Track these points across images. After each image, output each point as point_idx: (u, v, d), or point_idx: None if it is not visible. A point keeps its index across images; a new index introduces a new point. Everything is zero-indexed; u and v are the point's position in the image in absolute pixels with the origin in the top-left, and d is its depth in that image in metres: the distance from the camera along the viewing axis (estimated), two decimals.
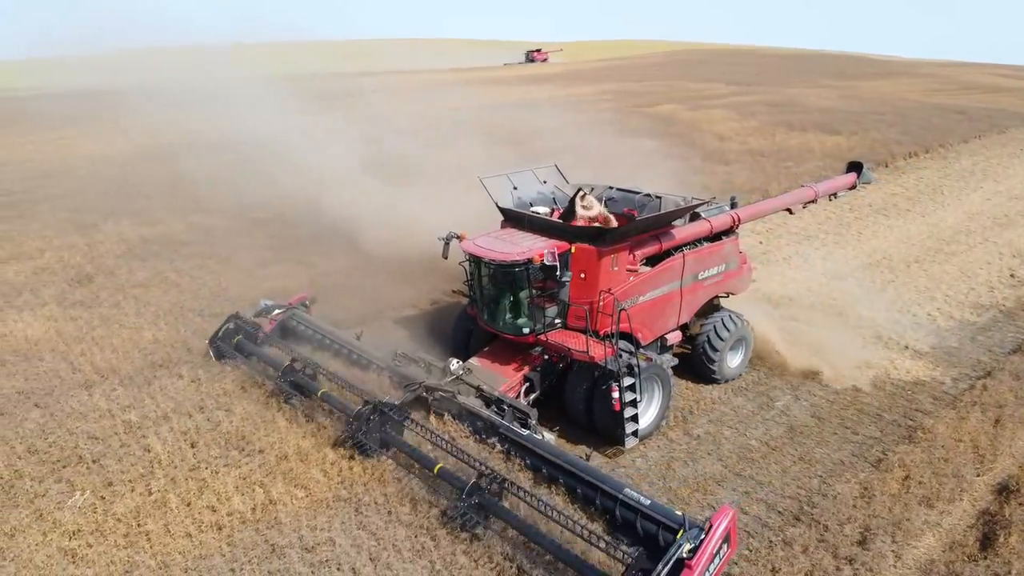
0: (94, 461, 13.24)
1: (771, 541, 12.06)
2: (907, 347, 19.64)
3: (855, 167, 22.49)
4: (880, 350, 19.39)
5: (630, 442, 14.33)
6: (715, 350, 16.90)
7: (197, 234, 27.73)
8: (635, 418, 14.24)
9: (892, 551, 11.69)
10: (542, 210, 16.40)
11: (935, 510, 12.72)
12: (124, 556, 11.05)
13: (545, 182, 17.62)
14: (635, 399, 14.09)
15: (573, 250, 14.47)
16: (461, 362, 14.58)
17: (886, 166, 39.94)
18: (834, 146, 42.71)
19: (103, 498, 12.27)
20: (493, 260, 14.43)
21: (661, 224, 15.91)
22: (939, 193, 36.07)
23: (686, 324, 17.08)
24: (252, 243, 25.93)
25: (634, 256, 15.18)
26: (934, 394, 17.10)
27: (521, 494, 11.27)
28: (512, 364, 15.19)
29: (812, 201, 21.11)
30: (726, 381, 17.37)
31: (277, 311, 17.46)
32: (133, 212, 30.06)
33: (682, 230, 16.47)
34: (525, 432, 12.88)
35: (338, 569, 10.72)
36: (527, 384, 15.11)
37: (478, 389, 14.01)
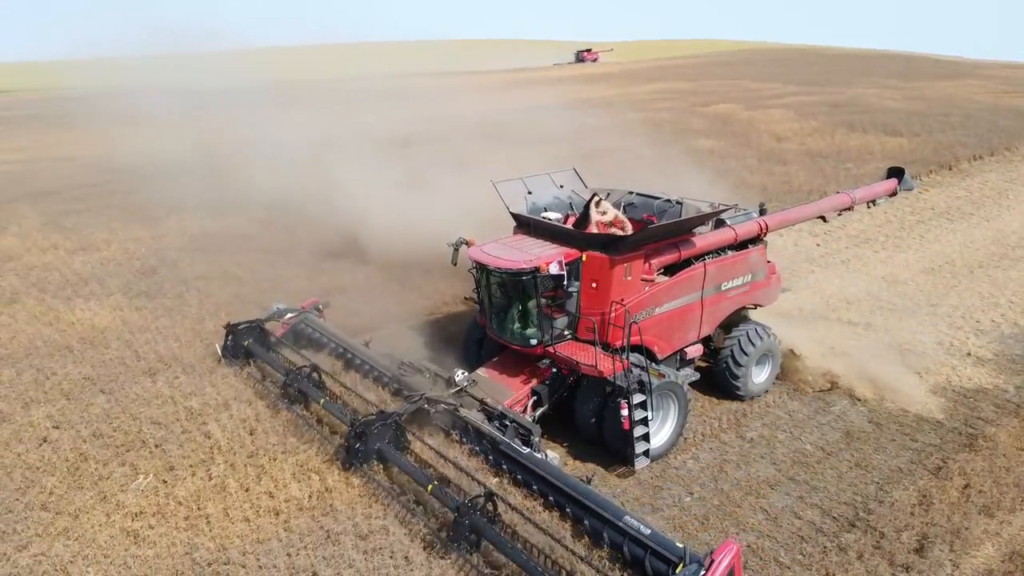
0: (156, 446, 13.69)
1: (825, 547, 11.88)
2: (969, 354, 19.10)
3: (896, 173, 21.48)
4: (941, 356, 18.90)
5: (640, 463, 13.57)
6: (739, 365, 16.09)
7: (256, 228, 28.34)
8: (646, 437, 13.48)
9: (950, 560, 11.43)
10: (553, 216, 15.74)
11: (995, 520, 12.39)
12: (184, 538, 11.40)
13: (562, 186, 17.01)
14: (646, 417, 13.39)
15: (584, 258, 13.95)
16: (467, 373, 14.17)
17: (950, 169, 38.77)
18: (896, 148, 41.62)
19: (165, 482, 12.69)
20: (499, 268, 13.93)
21: (679, 231, 15.17)
22: (1004, 197, 34.87)
23: (708, 337, 16.39)
24: (312, 239, 26.33)
25: (650, 265, 14.54)
26: (997, 402, 16.61)
27: (515, 516, 10.75)
28: (520, 376, 14.65)
29: (848, 208, 20.15)
30: (751, 398, 16.57)
31: (289, 315, 17.26)
32: (195, 207, 30.83)
33: (704, 238, 15.67)
34: (526, 450, 12.24)
35: (391, 557, 10.88)
36: (534, 398, 14.47)
37: (481, 402, 13.51)
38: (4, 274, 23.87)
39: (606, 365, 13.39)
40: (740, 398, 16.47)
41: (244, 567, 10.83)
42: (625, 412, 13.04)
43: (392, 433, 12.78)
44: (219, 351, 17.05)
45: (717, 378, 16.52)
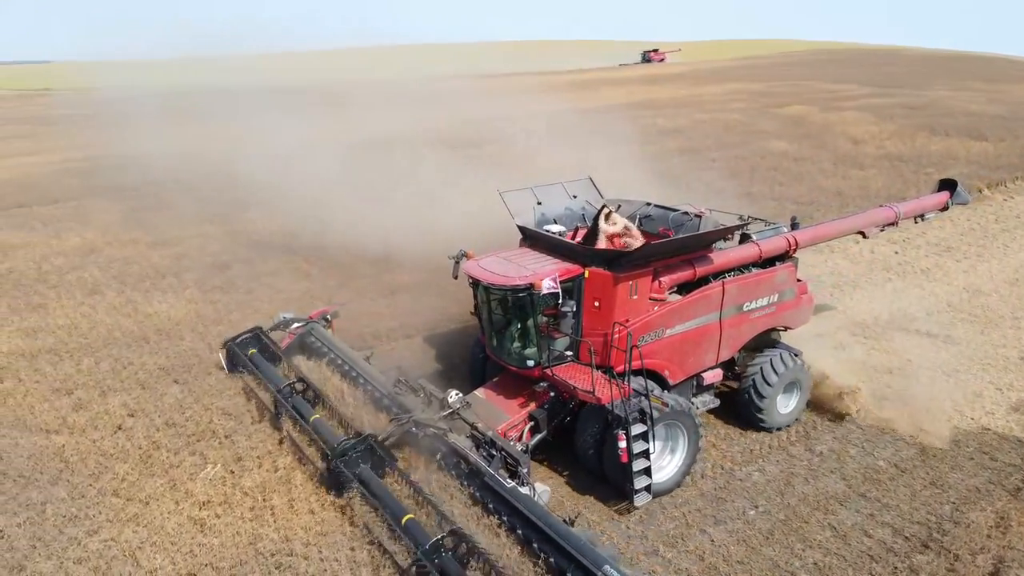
0: (226, 436, 14.06)
1: (896, 567, 11.46)
2: None
3: (948, 185, 20.34)
4: None
5: (640, 499, 12.56)
6: (762, 396, 14.82)
7: (322, 226, 28.70)
8: (648, 471, 12.53)
9: None
10: (556, 229, 14.76)
11: None
12: (249, 528, 11.66)
13: (575, 196, 15.98)
14: (647, 450, 12.40)
15: (586, 274, 13.00)
16: (460, 395, 13.16)
17: None
18: (980, 152, 39.90)
19: (232, 472, 13.02)
20: (493, 284, 13.16)
21: (691, 247, 14.11)
22: None
23: (732, 360, 15.32)
24: (384, 236, 26.51)
25: (660, 283, 13.58)
26: None
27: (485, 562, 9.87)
28: (518, 399, 13.73)
29: (892, 224, 19.01)
30: (777, 429, 15.30)
31: (296, 324, 16.77)
32: (266, 203, 31.48)
33: (723, 254, 14.67)
34: (510, 483, 11.24)
35: None
36: (532, 423, 13.48)
37: (472, 427, 12.65)
38: (87, 266, 24.86)
39: (604, 391, 12.41)
40: (765, 429, 15.25)
41: (307, 559, 11.01)
42: (623, 444, 12.10)
43: (374, 457, 12.18)
44: (223, 363, 16.86)
45: (739, 407, 15.37)
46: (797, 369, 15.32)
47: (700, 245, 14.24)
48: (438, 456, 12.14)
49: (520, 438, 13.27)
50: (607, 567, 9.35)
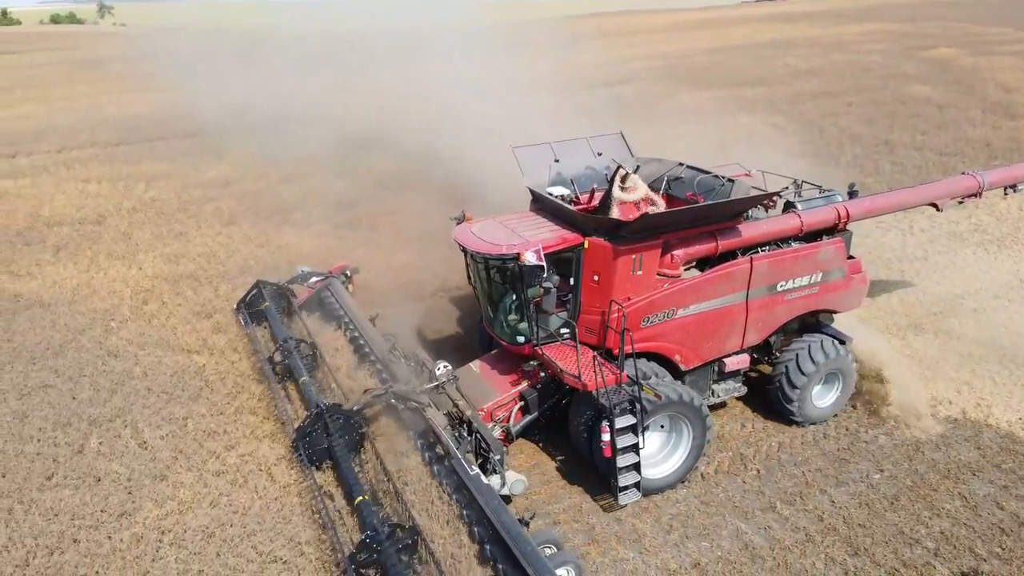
0: None
1: None
2: None
3: None
4: None
5: (627, 498, 11.38)
6: (794, 387, 13.24)
7: (448, 171, 28.91)
8: (637, 467, 11.29)
9: None
10: (559, 191, 13.38)
11: None
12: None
13: (600, 154, 14.32)
14: (636, 444, 11.18)
15: (586, 245, 11.63)
16: (450, 368, 12.33)
17: None
18: None
19: None
20: (477, 252, 12.00)
21: (708, 217, 12.42)
22: None
23: (768, 344, 13.75)
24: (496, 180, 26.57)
25: (672, 257, 12.09)
26: None
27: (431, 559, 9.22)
28: (510, 376, 12.67)
29: (975, 195, 16.62)
30: (811, 424, 13.73)
31: (315, 279, 16.43)
32: (390, 144, 32.01)
33: (754, 226, 12.88)
34: (474, 471, 10.19)
35: None
36: (521, 403, 12.47)
37: (455, 404, 11.79)
38: (223, 197, 26.26)
39: (590, 376, 11.19)
40: (796, 423, 13.69)
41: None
42: (607, 437, 10.94)
43: (346, 429, 11.70)
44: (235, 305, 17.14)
45: (769, 395, 13.84)
46: (840, 359, 13.56)
47: (720, 215, 12.50)
48: (412, 433, 11.48)
49: (508, 419, 12.35)
50: None
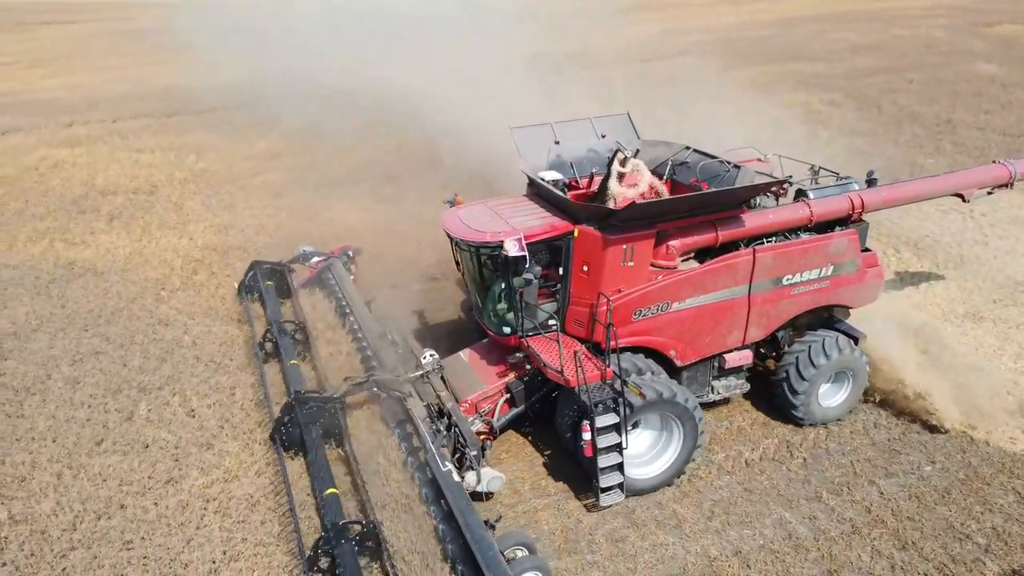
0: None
1: None
2: None
3: None
4: None
5: (608, 499, 10.99)
6: (802, 380, 12.57)
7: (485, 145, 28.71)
8: (620, 468, 10.89)
9: None
10: (551, 176, 12.66)
11: None
12: None
13: (604, 136, 13.71)
14: (619, 444, 10.73)
15: (576, 233, 11.18)
16: (436, 356, 12.13)
17: None
18: None
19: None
20: (460, 239, 11.59)
21: (706, 205, 11.76)
22: None
23: (775, 339, 13.10)
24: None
25: (668, 248, 11.59)
26: None
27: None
28: (497, 367, 12.28)
29: (1005, 186, 15.80)
30: (819, 424, 13.09)
31: (317, 259, 16.32)
32: (435, 118, 31.90)
33: (758, 216, 12.19)
34: (446, 467, 9.88)
35: None
36: (508, 396, 12.01)
37: (438, 395, 11.58)
38: (271, 170, 26.49)
39: (571, 371, 10.74)
40: (800, 422, 13.06)
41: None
42: (587, 436, 10.54)
43: (325, 417, 11.60)
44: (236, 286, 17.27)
45: (774, 392, 13.19)
46: (851, 358, 12.88)
47: (720, 203, 11.86)
48: (391, 424, 11.32)
49: (494, 411, 11.93)
50: None
